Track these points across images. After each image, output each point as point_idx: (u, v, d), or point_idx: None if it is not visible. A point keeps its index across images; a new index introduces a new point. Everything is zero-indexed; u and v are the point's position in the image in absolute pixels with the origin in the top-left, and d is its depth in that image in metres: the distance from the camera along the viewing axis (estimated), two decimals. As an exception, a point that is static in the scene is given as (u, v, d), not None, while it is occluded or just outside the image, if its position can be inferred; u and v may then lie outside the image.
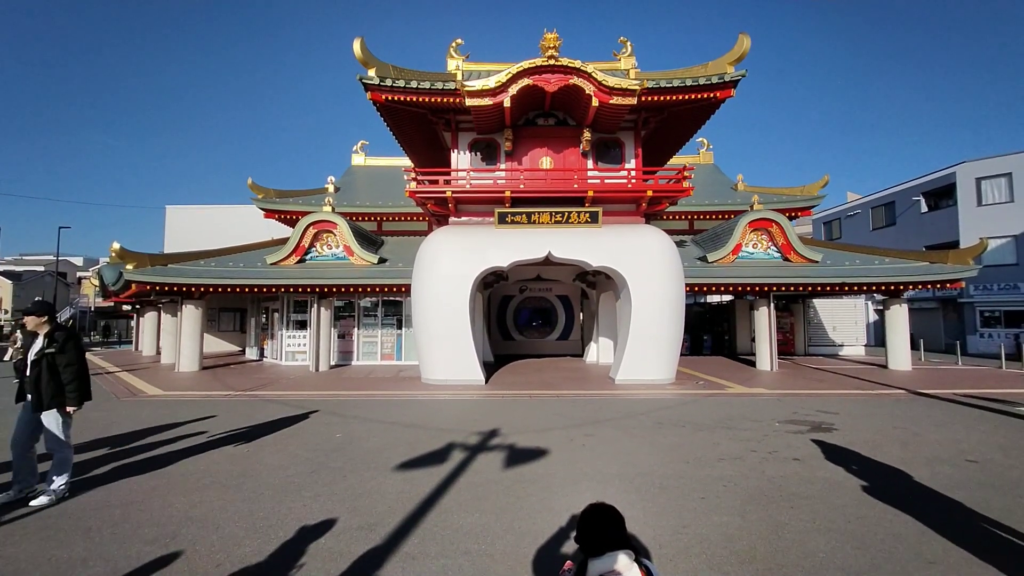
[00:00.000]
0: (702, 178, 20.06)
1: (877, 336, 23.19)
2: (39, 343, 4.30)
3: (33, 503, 4.13)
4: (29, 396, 4.28)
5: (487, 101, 10.78)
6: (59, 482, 4.29)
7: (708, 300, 24.37)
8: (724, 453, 5.76)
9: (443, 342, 11.33)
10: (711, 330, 20.60)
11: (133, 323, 28.37)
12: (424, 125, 12.88)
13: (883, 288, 13.94)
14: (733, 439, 6.42)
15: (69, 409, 4.30)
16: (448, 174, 12.14)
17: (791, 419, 7.65)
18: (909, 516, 3.93)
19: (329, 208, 14.79)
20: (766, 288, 13.66)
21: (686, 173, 11.86)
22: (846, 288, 13.97)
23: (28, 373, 4.26)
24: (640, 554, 1.72)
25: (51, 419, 4.26)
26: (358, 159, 22.88)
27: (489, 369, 13.47)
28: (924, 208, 24.46)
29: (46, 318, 4.35)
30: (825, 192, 19.41)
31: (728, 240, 14.20)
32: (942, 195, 23.75)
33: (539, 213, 11.76)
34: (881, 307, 14.80)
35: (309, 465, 5.34)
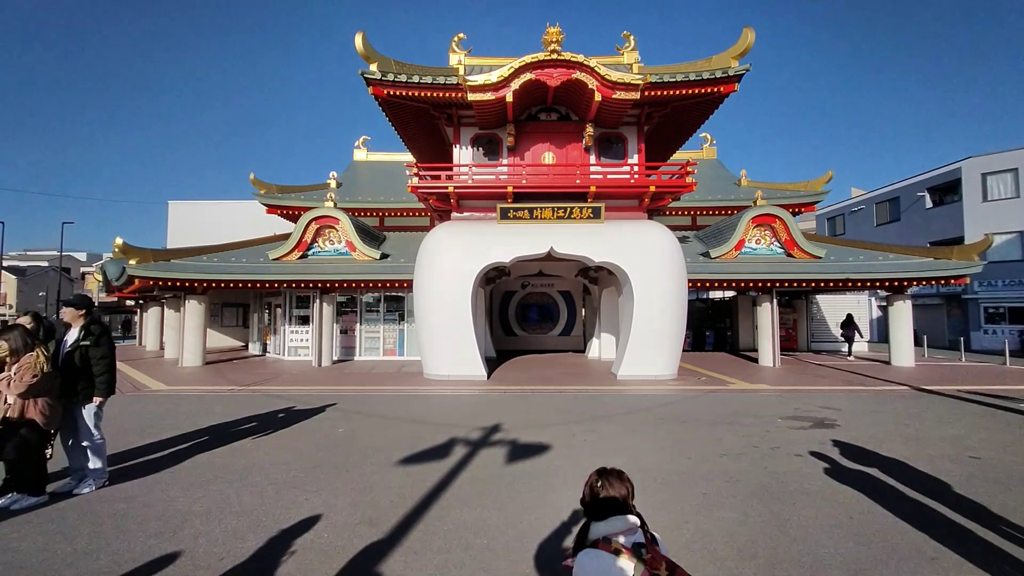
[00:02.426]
0: (705, 173, 19.97)
1: (880, 332, 23.13)
2: (74, 335, 4.44)
3: (76, 492, 4.30)
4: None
5: (489, 96, 10.74)
6: (97, 471, 4.44)
7: (711, 296, 24.31)
8: (726, 449, 5.76)
9: (445, 337, 11.34)
10: (713, 326, 20.55)
11: (137, 318, 28.49)
12: (426, 120, 12.84)
13: (887, 284, 13.87)
14: (735, 435, 6.41)
15: (96, 399, 4.43)
16: (450, 169, 12.11)
17: (793, 415, 7.64)
18: (911, 512, 3.93)
19: (331, 203, 14.78)
20: (769, 284, 13.61)
21: (689, 168, 11.81)
22: (849, 284, 13.90)
23: (60, 365, 4.39)
24: (645, 525, 1.70)
25: (85, 411, 4.40)
26: (360, 154, 22.85)
27: (491, 365, 13.48)
28: (929, 204, 24.29)
29: (84, 311, 4.51)
30: (829, 188, 19.32)
31: (731, 236, 14.15)
32: (947, 191, 23.58)
33: (541, 208, 11.73)
34: (885, 303, 14.74)
35: (311, 460, 5.36)
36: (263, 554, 3.28)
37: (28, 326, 4.41)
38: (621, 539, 1.64)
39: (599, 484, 1.74)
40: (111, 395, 4.57)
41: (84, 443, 4.41)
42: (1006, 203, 21.17)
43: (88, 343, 4.40)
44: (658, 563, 1.61)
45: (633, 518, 1.69)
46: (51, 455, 4.31)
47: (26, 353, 4.00)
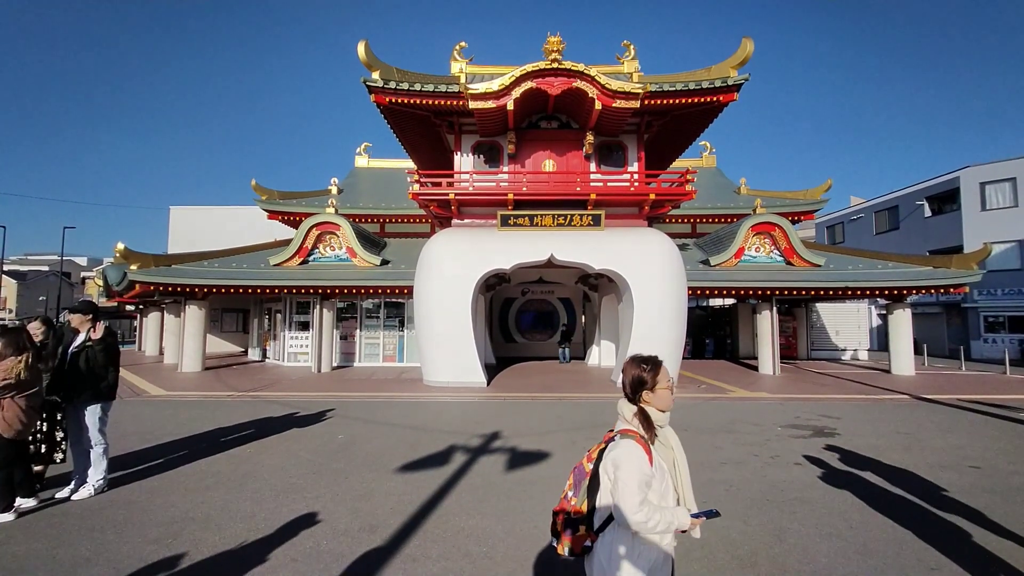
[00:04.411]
0: (705, 181, 20.03)
1: (880, 340, 23.11)
2: (81, 338, 4.52)
3: (75, 496, 4.30)
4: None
5: (490, 104, 10.81)
6: (98, 475, 4.45)
7: (710, 304, 24.33)
8: (726, 457, 5.75)
9: (445, 344, 11.34)
10: (713, 334, 20.55)
11: (136, 323, 28.48)
12: (427, 127, 12.93)
13: (886, 292, 13.90)
14: (735, 443, 6.41)
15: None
16: (451, 176, 12.18)
17: (793, 424, 7.63)
18: (911, 522, 3.92)
19: (332, 210, 14.83)
20: (769, 292, 13.63)
21: (689, 176, 11.88)
22: (849, 292, 13.93)
23: (66, 365, 4.43)
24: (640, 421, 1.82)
25: (89, 414, 4.42)
26: (361, 161, 22.94)
27: (491, 371, 13.47)
28: (928, 212, 24.37)
29: (90, 316, 4.64)
30: (828, 196, 19.37)
31: (731, 244, 14.18)
32: (946, 199, 23.67)
33: (542, 216, 11.78)
34: (884, 311, 14.76)
35: (311, 466, 5.35)
36: (262, 561, 3.27)
37: (39, 331, 4.43)
38: (617, 421, 1.88)
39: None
40: (112, 399, 4.64)
41: (86, 446, 4.42)
42: (1005, 212, 21.24)
43: (92, 343, 4.47)
44: (590, 457, 1.85)
45: (628, 405, 1.84)
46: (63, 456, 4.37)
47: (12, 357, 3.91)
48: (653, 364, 1.86)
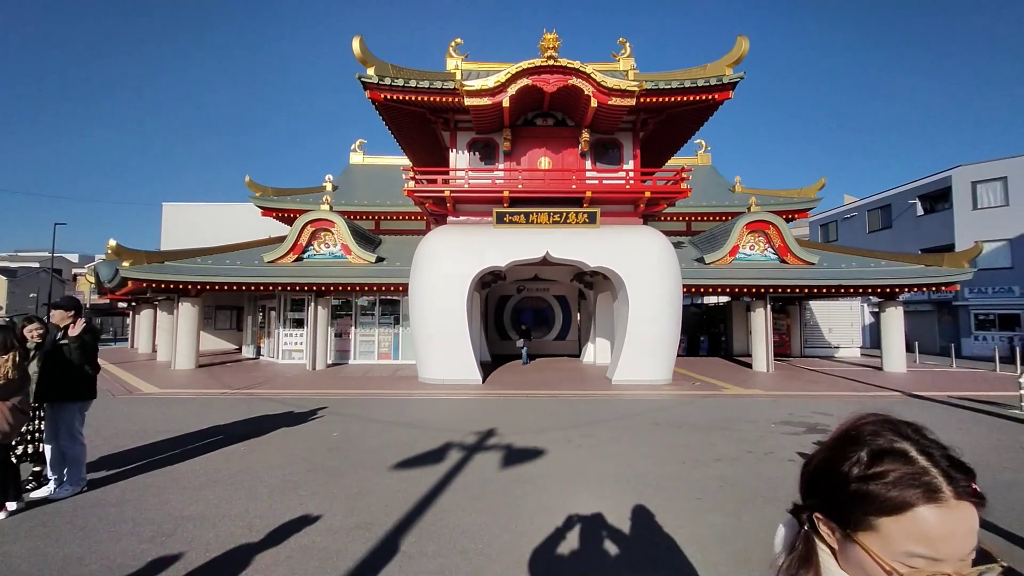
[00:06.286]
0: (700, 179, 20.10)
1: (872, 338, 23.29)
2: (59, 335, 4.44)
3: (53, 496, 4.24)
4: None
5: (486, 101, 10.78)
6: (76, 475, 4.39)
7: (705, 301, 24.43)
8: (720, 454, 5.79)
9: (440, 341, 11.33)
10: (708, 331, 20.64)
11: (129, 320, 28.26)
12: (423, 124, 12.87)
13: (879, 290, 14.01)
14: (729, 440, 6.44)
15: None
16: (447, 173, 12.14)
17: (787, 420, 7.68)
18: (903, 517, 3.95)
19: (327, 207, 14.76)
20: (763, 290, 13.71)
21: (684, 174, 11.90)
22: (842, 290, 14.04)
23: (43, 363, 4.34)
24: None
25: (66, 413, 4.35)
26: (356, 158, 22.83)
27: (486, 369, 13.47)
28: (920, 211, 24.55)
29: (72, 313, 4.55)
30: (822, 194, 19.52)
31: (725, 242, 14.24)
32: (938, 198, 23.85)
33: (537, 213, 11.77)
34: (877, 309, 14.88)
35: (306, 464, 5.33)
36: (257, 558, 3.26)
37: (37, 332, 4.34)
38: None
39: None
40: (94, 398, 4.56)
41: (63, 445, 4.33)
42: (996, 211, 21.42)
43: (67, 342, 4.37)
44: None
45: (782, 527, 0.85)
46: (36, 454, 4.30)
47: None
48: (884, 454, 0.68)
